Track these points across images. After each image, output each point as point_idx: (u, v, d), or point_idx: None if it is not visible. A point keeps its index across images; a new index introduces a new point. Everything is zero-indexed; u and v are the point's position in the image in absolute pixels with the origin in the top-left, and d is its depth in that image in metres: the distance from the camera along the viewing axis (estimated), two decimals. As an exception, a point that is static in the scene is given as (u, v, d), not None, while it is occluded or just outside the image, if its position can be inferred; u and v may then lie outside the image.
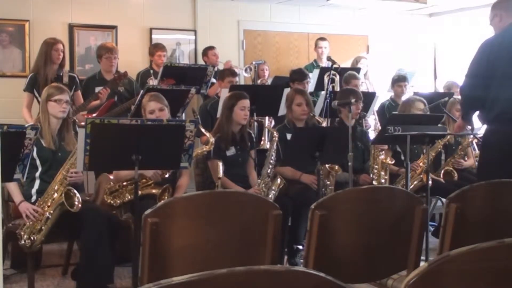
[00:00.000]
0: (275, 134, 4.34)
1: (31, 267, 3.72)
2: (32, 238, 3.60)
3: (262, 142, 5.09)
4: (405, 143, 3.86)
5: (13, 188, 3.73)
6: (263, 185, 4.19)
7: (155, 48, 6.29)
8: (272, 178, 4.25)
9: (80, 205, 3.57)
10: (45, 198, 3.66)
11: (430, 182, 3.92)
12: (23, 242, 3.60)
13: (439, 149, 4.98)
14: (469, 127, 4.23)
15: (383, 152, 4.67)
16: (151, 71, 6.11)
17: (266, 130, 5.04)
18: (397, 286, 2.66)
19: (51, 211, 3.60)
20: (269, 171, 4.24)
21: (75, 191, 3.61)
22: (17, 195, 3.72)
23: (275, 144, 4.30)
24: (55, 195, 3.63)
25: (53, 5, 6.39)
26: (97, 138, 3.13)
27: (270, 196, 4.11)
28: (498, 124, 3.84)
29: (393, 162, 4.69)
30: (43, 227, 3.60)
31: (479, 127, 4.40)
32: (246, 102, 4.30)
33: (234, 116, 4.28)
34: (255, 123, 5.10)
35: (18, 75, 6.08)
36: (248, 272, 1.18)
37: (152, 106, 4.03)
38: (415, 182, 4.79)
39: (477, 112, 4.03)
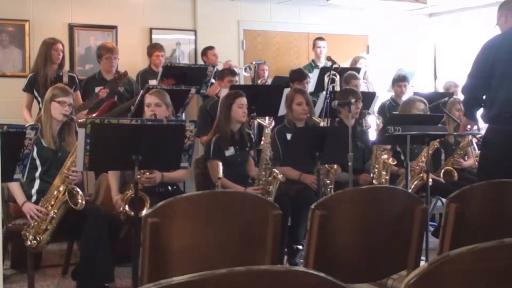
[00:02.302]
0: (267, 126, 4.35)
1: (31, 267, 3.72)
2: (38, 238, 3.61)
3: (262, 142, 5.08)
4: (405, 143, 3.86)
5: (16, 188, 3.73)
6: (262, 180, 4.18)
7: (153, 48, 6.29)
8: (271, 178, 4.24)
9: (84, 203, 3.59)
10: (48, 198, 3.66)
11: (430, 181, 3.92)
12: (29, 243, 3.60)
13: (436, 146, 4.97)
14: (476, 126, 4.24)
15: (386, 152, 4.67)
16: (149, 72, 6.11)
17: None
18: (397, 286, 2.66)
19: (55, 210, 3.61)
20: (264, 166, 4.23)
21: (78, 189, 3.63)
22: (19, 196, 3.72)
23: (268, 137, 4.30)
24: (58, 194, 3.64)
25: (53, 5, 6.39)
26: (97, 138, 3.13)
27: (270, 198, 4.10)
28: (498, 123, 3.86)
29: (395, 163, 4.68)
30: (48, 227, 3.61)
31: (482, 127, 4.40)
32: (243, 100, 4.32)
33: (233, 114, 4.29)
34: (255, 123, 5.10)
35: (18, 75, 6.07)
36: (248, 272, 1.18)
37: (149, 100, 4.04)
38: (416, 182, 4.79)
39: (480, 111, 4.05)
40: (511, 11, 3.92)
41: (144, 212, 3.45)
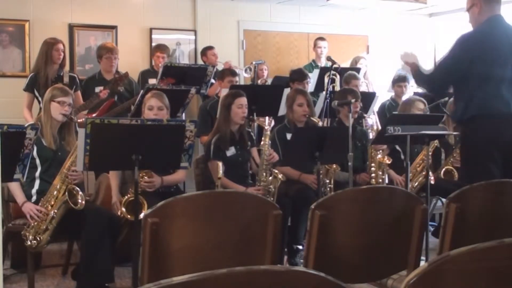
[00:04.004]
0: (266, 127, 4.35)
1: (31, 267, 3.73)
2: (38, 238, 3.61)
3: (262, 143, 5.08)
4: (404, 143, 3.86)
5: (16, 188, 3.73)
6: (263, 181, 4.18)
7: (155, 48, 6.31)
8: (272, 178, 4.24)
9: (84, 202, 3.59)
10: (48, 198, 3.66)
11: (432, 181, 3.90)
12: (29, 243, 3.60)
13: (436, 145, 4.97)
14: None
15: (380, 151, 4.67)
16: (151, 72, 6.12)
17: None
18: (397, 286, 2.66)
19: (55, 210, 3.61)
20: (264, 167, 4.23)
21: (78, 189, 3.63)
22: (19, 196, 3.72)
23: (267, 138, 4.30)
24: (58, 194, 3.64)
25: (53, 5, 6.39)
26: (97, 138, 3.13)
27: (272, 199, 4.09)
28: (475, 124, 3.77)
29: (390, 161, 4.68)
30: (48, 227, 3.61)
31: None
32: (243, 100, 4.31)
33: (232, 114, 4.29)
34: (255, 124, 5.10)
35: (18, 75, 6.07)
36: (248, 272, 1.18)
37: (152, 103, 4.04)
38: (420, 179, 4.77)
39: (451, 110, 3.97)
40: (485, 2, 3.75)
41: (141, 215, 3.43)
